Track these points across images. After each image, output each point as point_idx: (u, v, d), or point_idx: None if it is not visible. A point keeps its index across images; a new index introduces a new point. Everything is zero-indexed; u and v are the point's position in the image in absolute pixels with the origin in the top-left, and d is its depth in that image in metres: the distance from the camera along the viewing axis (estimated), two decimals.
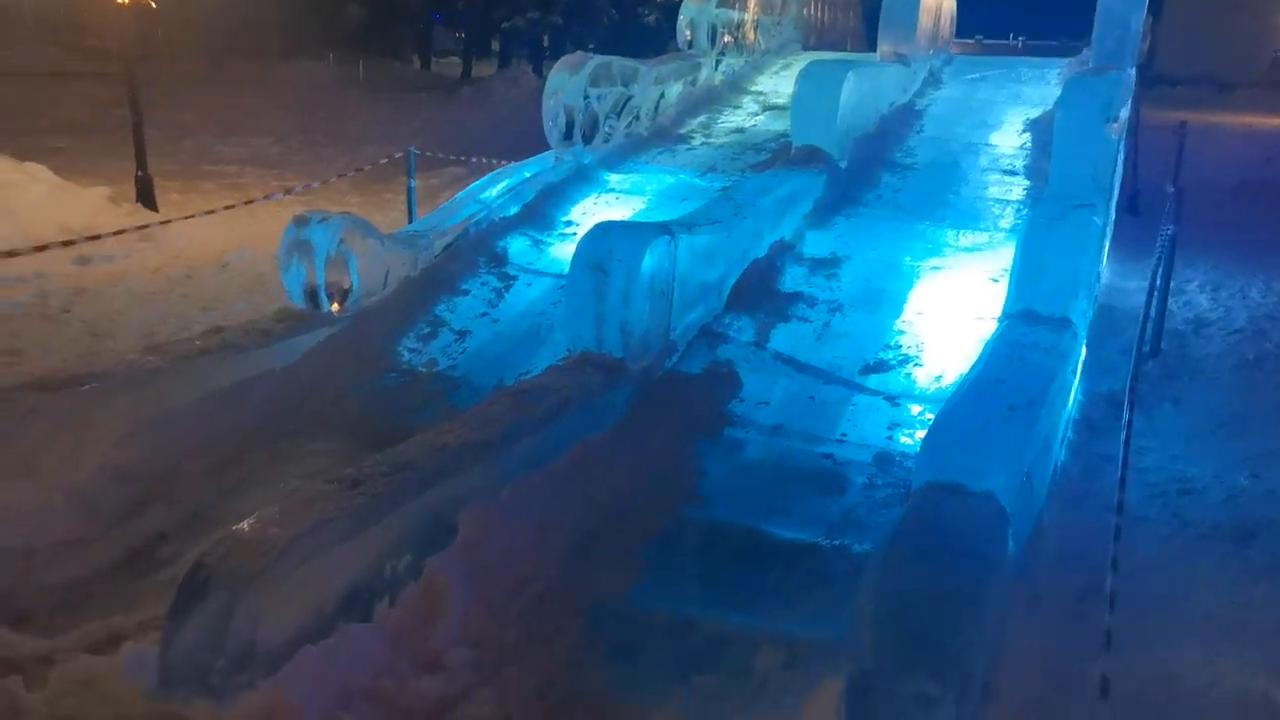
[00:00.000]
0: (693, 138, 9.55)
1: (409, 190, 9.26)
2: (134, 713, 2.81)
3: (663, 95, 9.75)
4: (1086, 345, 7.06)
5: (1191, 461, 5.74)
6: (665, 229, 5.48)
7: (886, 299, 6.47)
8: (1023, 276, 5.46)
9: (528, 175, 7.98)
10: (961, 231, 7.23)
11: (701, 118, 10.08)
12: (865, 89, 8.54)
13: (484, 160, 11.34)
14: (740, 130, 9.75)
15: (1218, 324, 8.49)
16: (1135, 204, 13.13)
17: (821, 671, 3.30)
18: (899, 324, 6.22)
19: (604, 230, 5.31)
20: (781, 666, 3.50)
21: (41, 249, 7.05)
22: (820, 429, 5.26)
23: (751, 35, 11.43)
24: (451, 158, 12.83)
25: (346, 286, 5.93)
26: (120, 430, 4.48)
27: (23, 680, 3.04)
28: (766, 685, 3.41)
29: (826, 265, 6.82)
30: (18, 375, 5.87)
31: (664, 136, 9.45)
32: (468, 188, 7.80)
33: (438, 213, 7.35)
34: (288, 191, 10.45)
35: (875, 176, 8.19)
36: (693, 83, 10.28)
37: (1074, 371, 5.57)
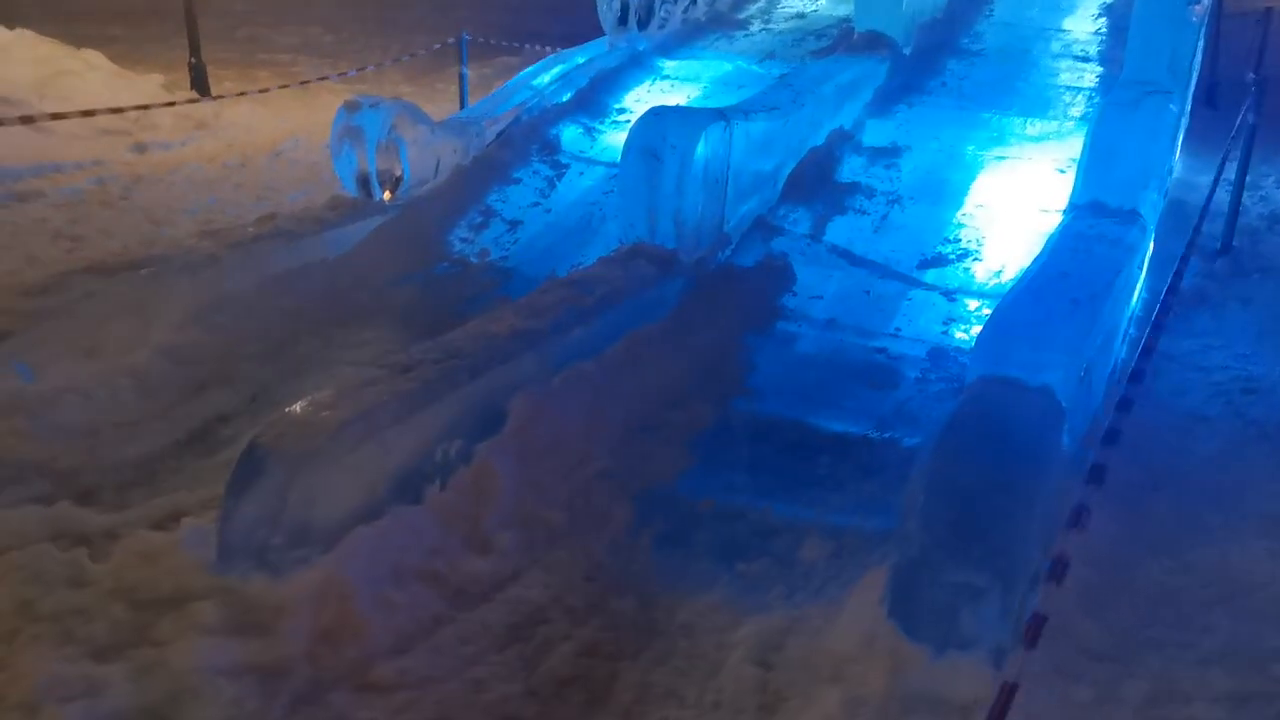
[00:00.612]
0: (751, 24, 9.24)
1: (461, 78, 9.12)
2: (195, 585, 2.90)
3: None
4: (1155, 241, 6.84)
5: (1258, 361, 5.57)
6: (720, 114, 5.34)
7: (947, 190, 6.28)
8: (1091, 166, 5.25)
9: (581, 62, 7.80)
10: (1029, 120, 6.97)
11: (761, 3, 9.72)
12: None
13: (538, 48, 11.10)
14: (801, 16, 9.40)
15: None
16: (1213, 96, 12.57)
17: (868, 562, 3.30)
18: (959, 216, 6.05)
19: (657, 115, 5.19)
20: (828, 556, 3.51)
21: (89, 114, 7.10)
22: (874, 324, 5.18)
23: None
24: (505, 45, 12.59)
25: (398, 174, 5.90)
26: (178, 314, 4.55)
27: (89, 552, 3.14)
28: (813, 574, 3.42)
29: (886, 155, 6.62)
30: (79, 260, 5.97)
31: (722, 22, 9.15)
32: (520, 74, 7.66)
33: (489, 99, 7.24)
34: (342, 75, 10.37)
35: (941, 63, 7.88)
36: None
37: (1140, 266, 5.40)
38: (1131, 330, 5.61)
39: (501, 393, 3.84)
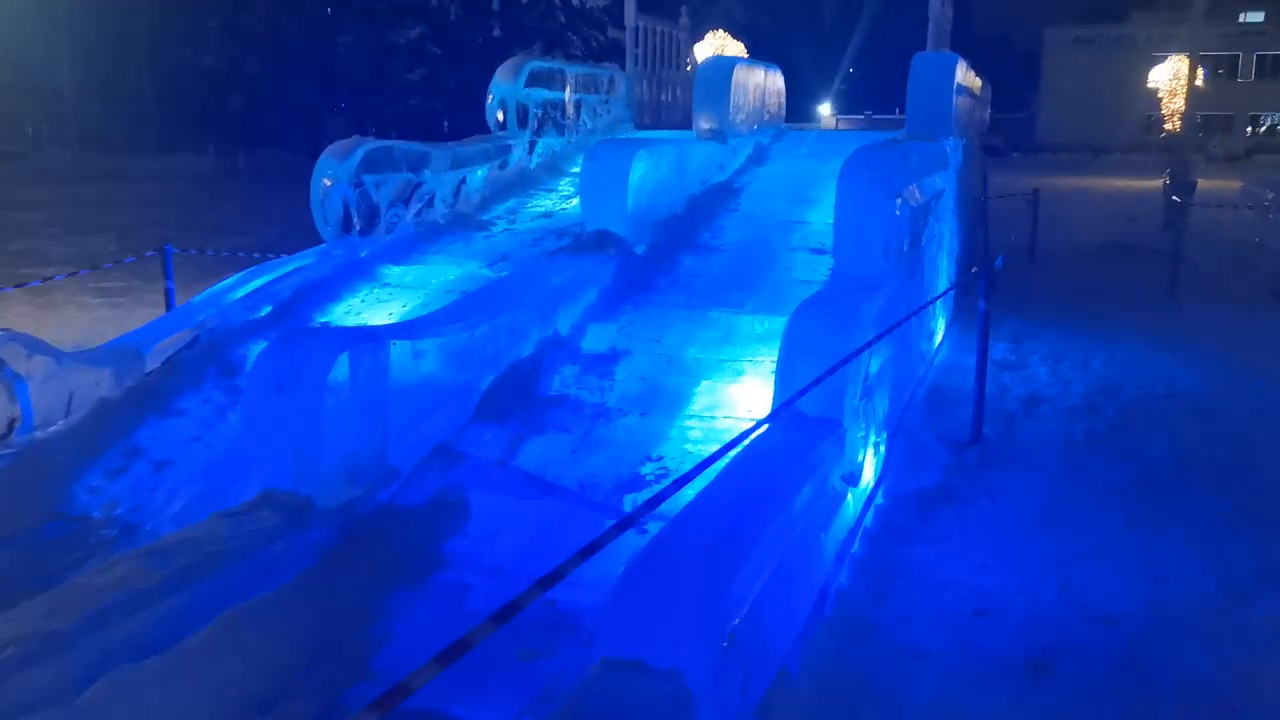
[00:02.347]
0: (496, 224, 8.85)
1: (167, 292, 8.33)
2: None
3: (464, 180, 9.06)
4: (905, 432, 6.46)
5: (997, 571, 5.07)
6: (371, 335, 4.68)
7: (662, 400, 5.75)
8: (784, 374, 4.79)
9: (288, 271, 7.15)
10: (757, 317, 6.60)
11: (510, 203, 9.41)
12: (666, 169, 7.96)
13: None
14: (548, 215, 9.09)
15: (1052, 401, 7.99)
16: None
17: None
18: (672, 430, 5.49)
19: (285, 342, 4.50)
20: None
21: None
22: (552, 567, 4.44)
23: (573, 114, 10.88)
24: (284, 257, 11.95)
25: (14, 416, 5.00)
26: None
27: None
28: None
29: (603, 363, 6.09)
30: None
31: (463, 224, 8.73)
32: (212, 287, 6.94)
33: (166, 318, 6.47)
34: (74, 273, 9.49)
35: (676, 261, 7.55)
36: (501, 166, 9.62)
37: (851, 475, 4.89)
38: (857, 548, 5.06)
39: None
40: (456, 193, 8.95)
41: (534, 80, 10.03)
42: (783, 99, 11.36)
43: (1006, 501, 5.98)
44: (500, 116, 9.91)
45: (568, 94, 10.69)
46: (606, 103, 11.60)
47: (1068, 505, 5.92)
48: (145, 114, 46.79)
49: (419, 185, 8.32)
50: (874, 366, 5.31)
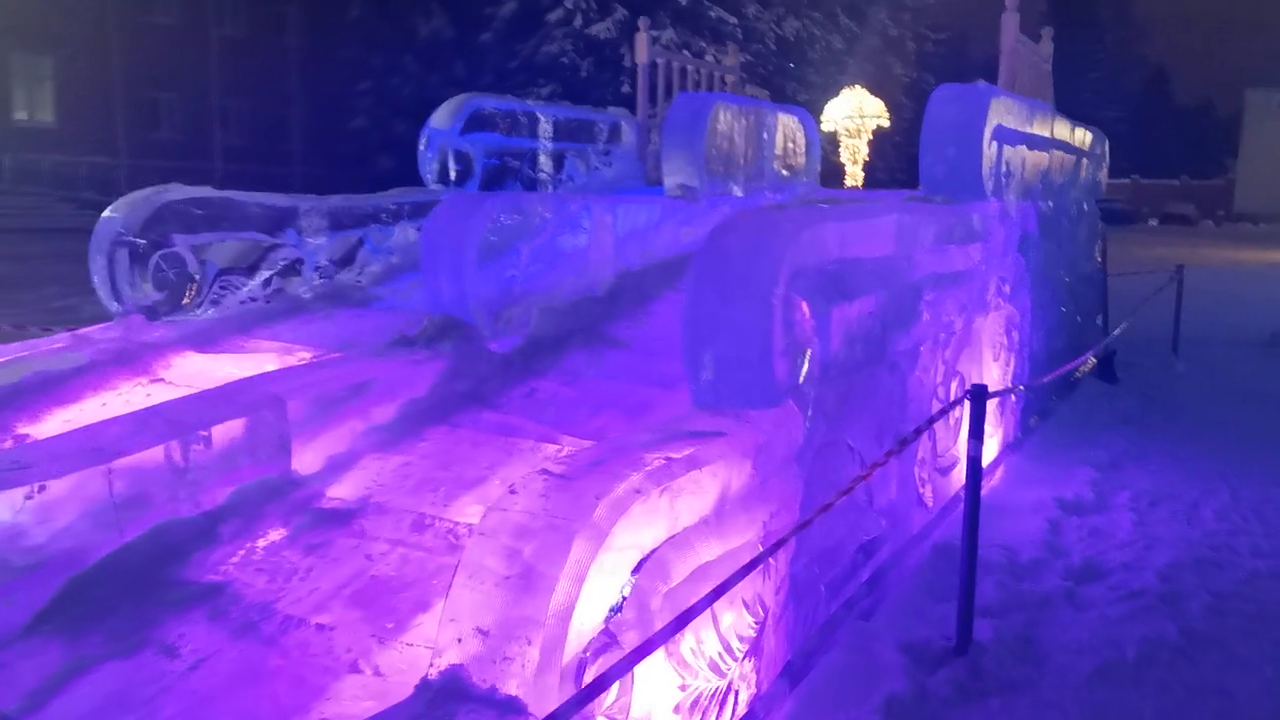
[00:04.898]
0: (382, 299, 6.88)
1: None
2: None
3: (362, 243, 7.17)
4: (816, 648, 4.12)
5: None
6: None
7: (377, 602, 3.55)
8: (453, 599, 2.56)
9: (15, 358, 5.34)
10: None
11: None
12: (576, 236, 5.84)
13: None
14: None
15: (1116, 576, 5.35)
16: (1110, 369, 10.21)
17: None
18: (359, 662, 3.28)
19: None
20: None
21: None
22: None
23: (551, 167, 8.88)
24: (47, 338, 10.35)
25: None
26: None
27: None
28: None
29: (330, 523, 3.95)
30: None
31: (339, 298, 6.78)
32: None
33: None
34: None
35: (555, 362, 5.37)
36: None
37: None
38: None
39: None
40: (351, 259, 7.06)
41: (480, 124, 8.09)
42: (813, 151, 9.04)
43: None
44: (438, 167, 8.01)
45: (541, 142, 8.71)
46: (608, 154, 9.56)
47: None
48: (292, 175, 47.82)
49: (273, 248, 6.46)
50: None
